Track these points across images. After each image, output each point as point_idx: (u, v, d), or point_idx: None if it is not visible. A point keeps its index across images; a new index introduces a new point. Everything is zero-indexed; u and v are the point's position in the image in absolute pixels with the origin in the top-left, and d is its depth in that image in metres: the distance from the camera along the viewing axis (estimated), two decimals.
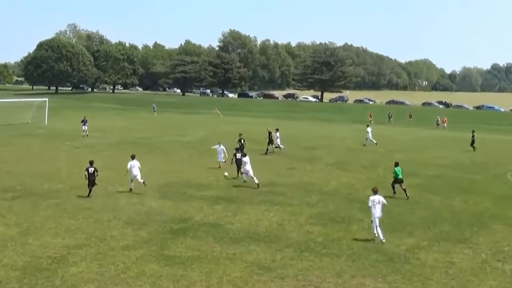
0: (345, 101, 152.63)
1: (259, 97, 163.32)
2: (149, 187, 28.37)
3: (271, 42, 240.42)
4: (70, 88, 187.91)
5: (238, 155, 32.02)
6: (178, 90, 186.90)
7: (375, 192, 20.46)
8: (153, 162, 37.43)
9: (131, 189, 27.65)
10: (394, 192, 28.13)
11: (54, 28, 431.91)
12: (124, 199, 25.86)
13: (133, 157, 28.15)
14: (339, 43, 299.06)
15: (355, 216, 23.70)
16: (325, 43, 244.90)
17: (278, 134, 46.07)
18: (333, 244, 19.65)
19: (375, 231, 19.98)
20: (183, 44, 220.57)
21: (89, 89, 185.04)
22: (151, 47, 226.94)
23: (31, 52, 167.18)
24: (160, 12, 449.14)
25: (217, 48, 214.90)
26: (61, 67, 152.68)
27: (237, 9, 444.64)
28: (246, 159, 30.55)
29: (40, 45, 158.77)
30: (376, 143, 51.48)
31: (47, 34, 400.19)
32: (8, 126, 60.47)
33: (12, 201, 24.89)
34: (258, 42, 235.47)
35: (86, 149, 43.39)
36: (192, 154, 42.48)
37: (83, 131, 53.46)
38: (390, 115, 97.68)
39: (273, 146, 45.09)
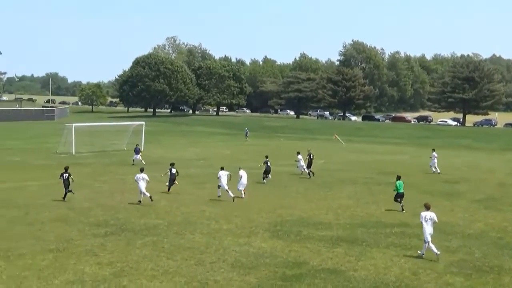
0: (493, 125, 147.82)
1: (387, 120, 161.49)
2: (259, 225, 28.77)
3: (402, 54, 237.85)
4: (169, 110, 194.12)
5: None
6: (292, 112, 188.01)
7: (427, 208, 23.80)
8: (263, 196, 37.87)
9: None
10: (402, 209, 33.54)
11: (153, 42, 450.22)
12: (229, 238, 26.27)
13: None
14: (485, 55, 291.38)
15: (507, 266, 22.78)
16: (467, 55, 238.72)
17: (299, 156, 49.57)
18: None
19: (427, 247, 23.24)
20: (297, 58, 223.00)
21: (190, 111, 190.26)
22: (261, 63, 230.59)
23: (127, 70, 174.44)
24: (271, 23, 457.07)
25: (337, 63, 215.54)
26: (158, 86, 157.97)
27: (360, 17, 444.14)
28: (241, 172, 37.23)
29: (137, 62, 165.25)
30: None
31: (145, 49, 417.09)
32: (102, 153, 63.34)
33: (105, 237, 25.97)
34: (386, 55, 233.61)
35: (187, 180, 44.52)
36: (308, 187, 42.59)
37: (134, 160, 55.02)
38: None
39: (308, 169, 48.68)
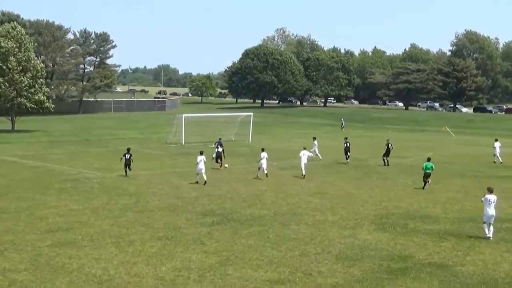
0: None
1: (500, 111, 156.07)
2: (364, 217, 28.62)
3: None
4: (277, 101, 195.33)
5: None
6: (400, 104, 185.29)
7: (490, 191, 25.21)
8: (369, 188, 37.60)
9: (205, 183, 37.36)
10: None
11: (262, 34, 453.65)
12: (335, 229, 26.22)
13: (201, 153, 38.80)
14: None
15: None
16: None
17: (315, 142, 53.32)
18: None
19: (487, 230, 24.78)
20: (407, 49, 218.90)
21: (298, 103, 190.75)
22: (370, 53, 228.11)
23: (236, 62, 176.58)
24: (381, 13, 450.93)
25: (448, 53, 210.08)
26: (266, 77, 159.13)
27: (473, 6, 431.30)
28: (263, 154, 41.39)
29: (246, 54, 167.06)
30: None
31: (255, 41, 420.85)
32: (210, 143, 64.32)
33: (212, 226, 26.46)
34: (501, 45, 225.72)
35: (293, 171, 44.71)
36: (416, 179, 41.84)
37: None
38: None
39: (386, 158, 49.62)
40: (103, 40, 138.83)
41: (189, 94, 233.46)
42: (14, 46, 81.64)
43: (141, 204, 31.37)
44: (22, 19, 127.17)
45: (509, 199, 34.16)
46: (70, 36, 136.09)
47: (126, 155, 41.67)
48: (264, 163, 41.16)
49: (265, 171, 41.17)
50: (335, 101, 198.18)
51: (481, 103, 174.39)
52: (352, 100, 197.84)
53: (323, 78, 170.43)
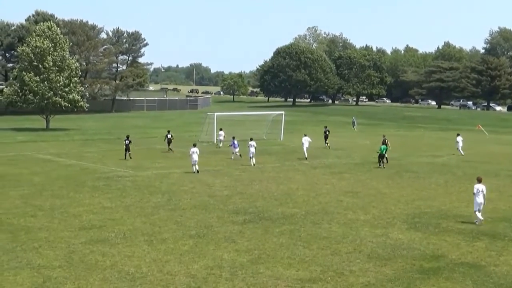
0: None
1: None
2: (396, 216, 28.47)
3: None
4: (308, 100, 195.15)
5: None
6: (433, 102, 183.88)
7: (479, 181, 27.63)
8: (401, 187, 37.40)
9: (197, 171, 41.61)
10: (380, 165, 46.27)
11: (294, 33, 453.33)
12: (366, 228, 26.11)
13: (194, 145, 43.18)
14: None
15: None
16: None
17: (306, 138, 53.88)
18: None
19: (478, 216, 26.99)
20: (440, 47, 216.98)
21: (329, 101, 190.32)
22: (402, 52, 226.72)
23: (268, 60, 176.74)
24: (413, 10, 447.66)
25: (482, 51, 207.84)
26: (298, 76, 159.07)
27: (508, 3, 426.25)
28: (252, 142, 46.97)
29: (278, 52, 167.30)
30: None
31: (286, 40, 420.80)
32: (242, 142, 64.37)
33: (243, 225, 26.51)
34: None
35: (325, 170, 44.70)
36: (449, 179, 41.51)
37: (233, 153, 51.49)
38: None
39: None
40: (135, 39, 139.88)
41: (221, 93, 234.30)
42: (50, 45, 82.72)
43: (173, 202, 31.53)
44: (56, 18, 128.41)
45: None
46: (103, 35, 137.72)
47: (126, 141, 49.53)
48: (252, 151, 46.42)
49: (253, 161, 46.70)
50: (367, 99, 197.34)
51: None
52: (384, 98, 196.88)
53: (355, 76, 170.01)
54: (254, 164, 46.57)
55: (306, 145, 51.62)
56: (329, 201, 32.36)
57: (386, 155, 47.59)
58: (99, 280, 18.77)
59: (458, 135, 58.92)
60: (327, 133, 63.18)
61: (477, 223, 27.01)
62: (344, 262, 21.06)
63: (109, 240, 23.51)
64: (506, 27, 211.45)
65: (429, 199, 33.43)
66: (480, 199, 27.08)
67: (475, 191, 27.25)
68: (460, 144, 57.04)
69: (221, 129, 62.66)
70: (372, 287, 18.54)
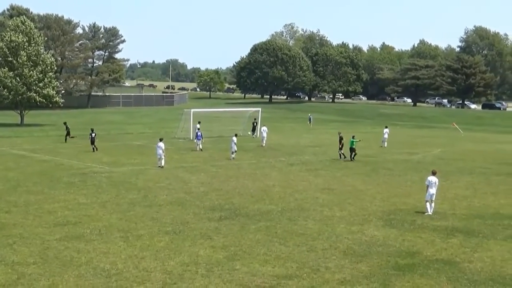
0: None
1: (504, 109, 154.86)
2: (372, 213, 28.65)
3: None
4: (285, 97, 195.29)
5: None
6: (409, 100, 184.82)
7: (433, 173, 29.37)
8: (377, 184, 37.61)
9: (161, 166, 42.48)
10: (344, 157, 48.83)
11: (270, 29, 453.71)
12: (342, 225, 26.25)
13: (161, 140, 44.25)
14: None
15: None
16: None
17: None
18: None
19: (429, 207, 28.78)
20: (416, 45, 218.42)
21: (306, 98, 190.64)
22: (378, 49, 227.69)
23: (244, 57, 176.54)
24: (389, 8, 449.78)
25: (457, 49, 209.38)
26: (275, 72, 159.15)
27: (483, 2, 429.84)
28: (234, 138, 48.65)
29: (255, 49, 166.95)
30: None
31: (263, 36, 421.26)
32: (219, 139, 64.45)
33: (220, 221, 26.52)
34: (510, 41, 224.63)
35: (301, 166, 44.83)
36: (424, 176, 41.38)
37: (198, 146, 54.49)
38: None
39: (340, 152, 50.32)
40: (112, 34, 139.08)
41: (198, 89, 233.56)
42: (24, 40, 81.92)
43: (149, 199, 31.46)
44: (31, 13, 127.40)
45: None
46: (79, 30, 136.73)
47: (92, 134, 52.11)
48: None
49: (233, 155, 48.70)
50: (343, 97, 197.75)
51: (489, 100, 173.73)
52: (361, 96, 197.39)
53: (331, 73, 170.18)
54: (232, 159, 47.92)
55: (264, 134, 58.95)
56: (305, 198, 32.47)
57: (342, 151, 49.51)
58: (74, 276, 18.68)
59: (386, 127, 64.45)
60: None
61: (426, 214, 28.63)
62: (320, 258, 21.15)
63: (84, 237, 23.41)
64: (481, 25, 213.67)
65: (404, 196, 33.68)
66: (432, 190, 28.76)
67: (427, 182, 28.91)
68: (385, 136, 61.38)
69: (199, 122, 63.68)
70: (347, 283, 18.64)
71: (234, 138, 48.91)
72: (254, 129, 70.67)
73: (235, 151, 48.55)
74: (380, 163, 48.36)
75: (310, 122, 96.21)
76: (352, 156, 48.69)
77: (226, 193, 33.50)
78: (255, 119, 71.75)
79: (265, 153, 52.71)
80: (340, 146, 49.91)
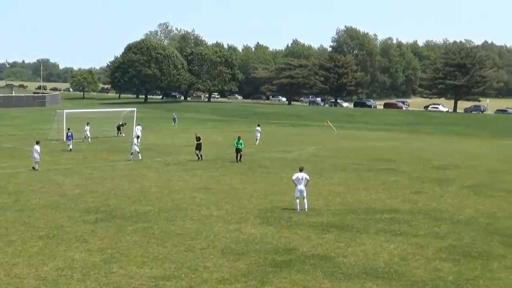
0: (482, 111, 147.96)
1: (375, 107, 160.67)
2: (249, 211, 28.93)
3: (394, 41, 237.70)
4: (161, 97, 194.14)
5: None
6: (284, 99, 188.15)
7: (300, 170, 29.80)
8: (254, 182, 38.03)
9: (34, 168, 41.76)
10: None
11: (145, 29, 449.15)
12: (220, 224, 26.36)
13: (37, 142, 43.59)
14: (477, 41, 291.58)
15: (496, 252, 22.90)
16: (460, 41, 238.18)
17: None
18: (467, 285, 19.08)
19: (298, 203, 29.31)
20: (289, 45, 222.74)
21: (182, 98, 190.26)
22: (253, 49, 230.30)
23: (119, 56, 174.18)
24: (263, 8, 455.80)
25: (329, 49, 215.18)
26: (149, 71, 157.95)
27: (353, 2, 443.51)
28: (134, 140, 49.44)
29: (129, 48, 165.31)
30: None
31: (138, 36, 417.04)
32: (93, 140, 63.23)
33: (95, 224, 26.00)
34: (379, 42, 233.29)
35: (178, 166, 44.69)
36: None
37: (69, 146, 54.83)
38: None
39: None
40: None
41: (71, 90, 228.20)
42: None
43: (20, 203, 30.38)
44: None
45: (388, 191, 35.61)
46: None
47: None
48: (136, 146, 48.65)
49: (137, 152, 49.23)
50: (219, 96, 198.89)
51: (360, 98, 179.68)
52: (236, 95, 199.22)
53: (206, 72, 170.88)
54: (130, 160, 48.22)
55: (138, 132, 60.51)
56: (183, 198, 32.39)
57: (201, 152, 49.34)
58: None
59: (258, 125, 68.04)
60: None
61: (297, 210, 29.21)
62: (198, 258, 21.16)
63: None
64: (352, 26, 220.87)
65: (280, 194, 34.15)
66: (300, 186, 29.17)
67: (294, 179, 29.45)
68: (257, 134, 64.43)
69: (87, 124, 63.94)
70: (226, 282, 18.74)
71: (135, 140, 50.55)
72: (119, 129, 72.42)
73: (136, 152, 49.02)
74: (256, 161, 48.93)
75: (174, 123, 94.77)
76: (238, 158, 48.03)
77: (102, 195, 32.89)
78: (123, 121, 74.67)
79: (141, 154, 52.12)
80: (196, 146, 49.34)
